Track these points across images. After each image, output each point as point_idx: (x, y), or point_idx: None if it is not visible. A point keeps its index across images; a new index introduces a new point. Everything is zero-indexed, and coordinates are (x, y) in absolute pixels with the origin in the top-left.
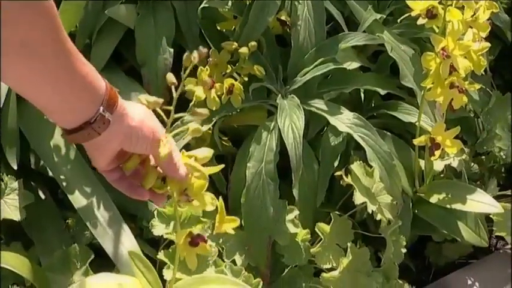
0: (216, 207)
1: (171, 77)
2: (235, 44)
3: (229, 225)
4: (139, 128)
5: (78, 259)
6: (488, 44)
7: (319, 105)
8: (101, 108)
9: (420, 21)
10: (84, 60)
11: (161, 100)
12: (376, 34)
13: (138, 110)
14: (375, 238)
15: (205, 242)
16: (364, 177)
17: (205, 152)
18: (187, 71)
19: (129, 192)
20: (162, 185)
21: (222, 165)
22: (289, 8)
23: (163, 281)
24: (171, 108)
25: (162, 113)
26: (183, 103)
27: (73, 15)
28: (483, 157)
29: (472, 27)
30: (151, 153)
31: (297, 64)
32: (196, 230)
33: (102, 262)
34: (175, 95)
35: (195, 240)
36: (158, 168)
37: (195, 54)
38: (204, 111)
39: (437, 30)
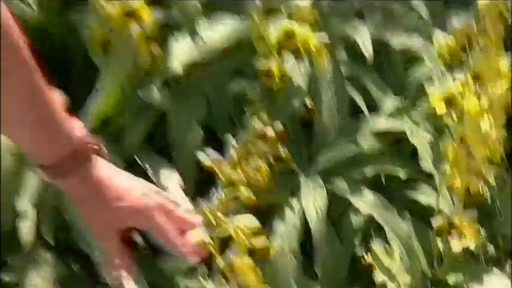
0: None
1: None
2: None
3: None
4: (125, 191)
5: None
6: (504, 133)
7: (341, 185)
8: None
9: (439, 112)
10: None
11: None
12: (396, 119)
13: (133, 180)
14: None
15: None
16: (384, 256)
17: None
18: None
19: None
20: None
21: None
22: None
23: None
24: None
25: None
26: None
27: (113, 98)
28: (500, 240)
29: (489, 115)
30: (149, 228)
31: (320, 146)
32: None
33: None
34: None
35: None
36: None
37: None
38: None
39: (455, 118)
